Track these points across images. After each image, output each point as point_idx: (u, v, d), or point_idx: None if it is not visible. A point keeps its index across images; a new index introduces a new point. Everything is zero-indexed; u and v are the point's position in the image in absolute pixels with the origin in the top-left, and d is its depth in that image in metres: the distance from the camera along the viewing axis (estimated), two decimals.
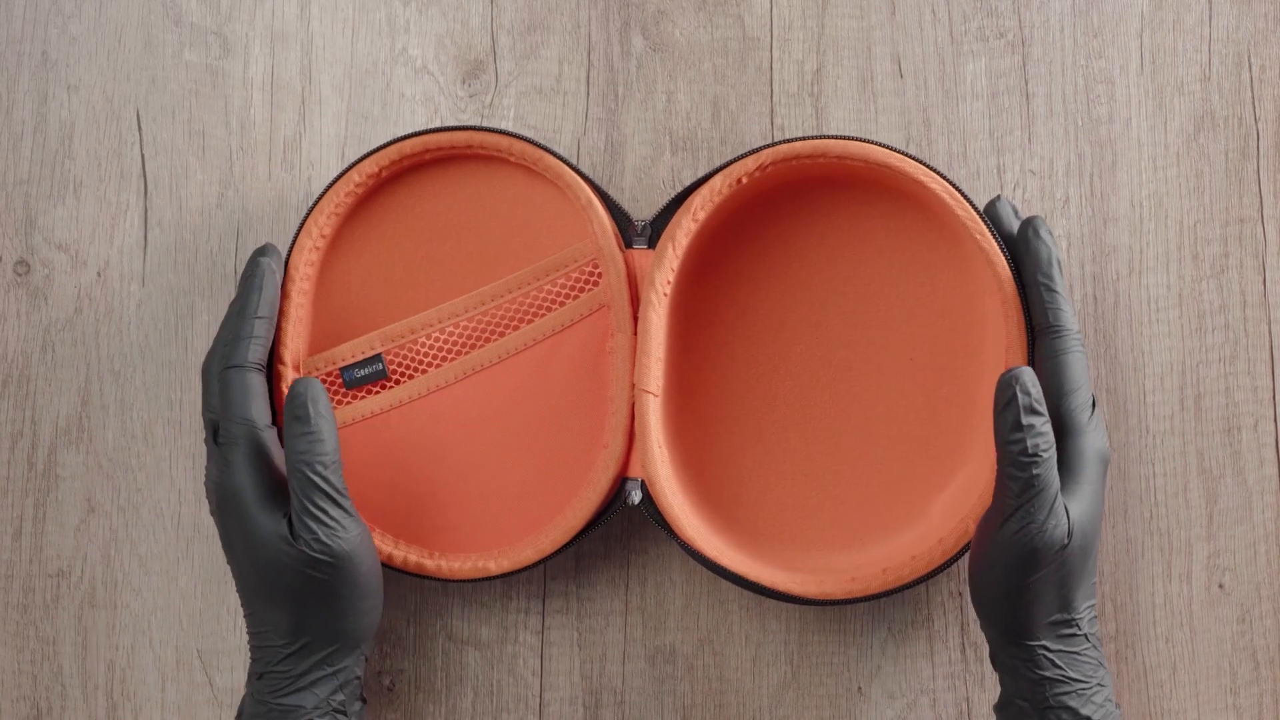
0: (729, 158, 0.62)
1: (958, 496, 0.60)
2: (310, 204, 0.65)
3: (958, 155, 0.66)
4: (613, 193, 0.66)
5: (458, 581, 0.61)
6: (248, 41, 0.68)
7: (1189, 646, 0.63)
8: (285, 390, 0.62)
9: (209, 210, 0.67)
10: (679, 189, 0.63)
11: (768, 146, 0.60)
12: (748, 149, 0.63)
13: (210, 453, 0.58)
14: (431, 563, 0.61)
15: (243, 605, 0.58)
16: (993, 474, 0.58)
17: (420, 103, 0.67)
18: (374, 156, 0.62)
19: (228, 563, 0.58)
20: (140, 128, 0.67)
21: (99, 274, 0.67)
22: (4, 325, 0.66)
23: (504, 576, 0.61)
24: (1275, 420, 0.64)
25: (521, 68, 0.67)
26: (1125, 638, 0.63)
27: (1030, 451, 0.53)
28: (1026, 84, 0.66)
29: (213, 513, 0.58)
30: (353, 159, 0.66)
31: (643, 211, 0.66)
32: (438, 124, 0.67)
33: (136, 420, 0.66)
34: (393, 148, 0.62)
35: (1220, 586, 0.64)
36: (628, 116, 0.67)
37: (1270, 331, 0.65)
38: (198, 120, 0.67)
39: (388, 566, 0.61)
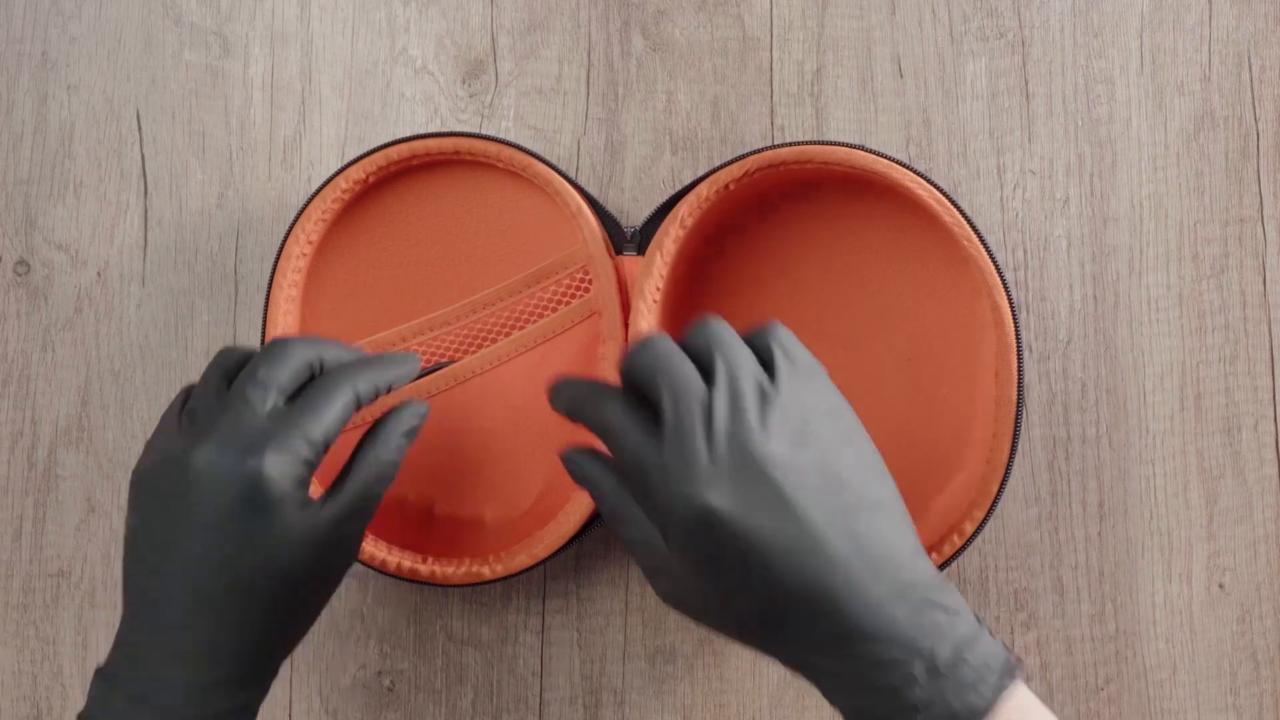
0: (729, 158, 0.62)
1: (956, 498, 0.60)
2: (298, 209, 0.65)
3: (958, 155, 0.66)
4: (613, 193, 0.66)
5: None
6: (248, 41, 0.68)
7: (1189, 646, 0.63)
8: None
9: (209, 210, 0.67)
10: (679, 189, 0.63)
11: (754, 153, 0.60)
12: (748, 149, 0.63)
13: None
14: (426, 568, 0.61)
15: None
16: (989, 475, 0.59)
17: (420, 103, 0.67)
18: (361, 162, 0.62)
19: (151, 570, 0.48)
20: (140, 128, 0.67)
21: (99, 274, 0.67)
22: (4, 325, 0.66)
23: (499, 581, 0.61)
24: (1275, 420, 0.64)
25: (521, 68, 0.67)
26: (1125, 638, 0.63)
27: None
28: (1026, 84, 0.66)
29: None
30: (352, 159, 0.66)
31: (642, 212, 0.66)
32: (438, 124, 0.67)
33: (136, 420, 0.66)
34: (380, 153, 0.62)
35: (1220, 586, 0.64)
36: (628, 116, 0.67)
37: (1270, 331, 0.65)
38: (198, 120, 0.67)
39: (381, 572, 0.61)
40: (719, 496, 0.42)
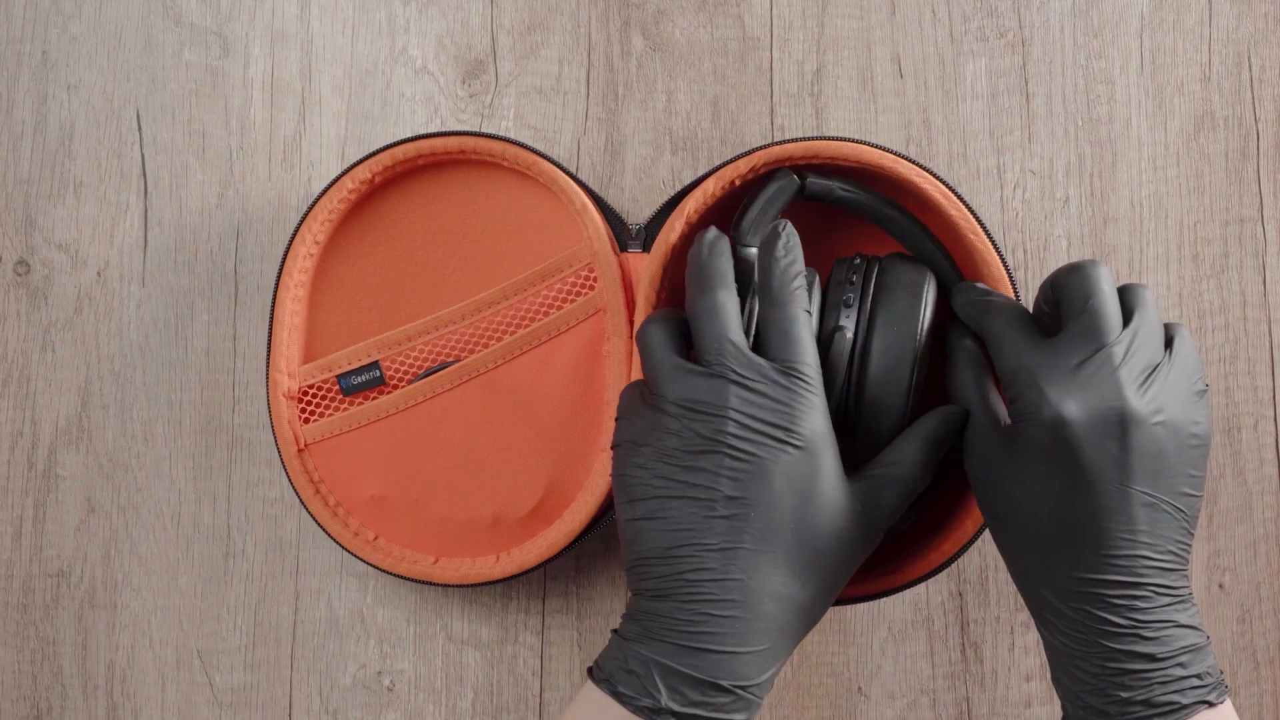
0: (729, 158, 0.62)
1: (957, 497, 0.60)
2: (305, 208, 0.65)
3: (958, 155, 0.66)
4: (613, 193, 0.66)
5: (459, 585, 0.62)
6: (248, 41, 0.68)
7: None
8: (282, 399, 0.62)
9: (209, 210, 0.67)
10: (679, 189, 0.63)
11: (760, 149, 0.60)
12: (748, 149, 0.63)
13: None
14: (426, 569, 0.61)
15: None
16: None
17: (420, 103, 0.67)
18: (367, 162, 0.62)
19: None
20: (140, 128, 0.67)
21: (99, 274, 0.67)
22: (4, 325, 0.66)
23: (504, 581, 0.61)
24: (1275, 420, 0.64)
25: (521, 68, 0.67)
26: None
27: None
28: (1026, 84, 0.66)
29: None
30: (353, 159, 0.66)
31: (642, 211, 0.66)
32: (438, 124, 0.67)
33: (136, 420, 0.66)
34: (386, 153, 0.62)
35: (1220, 586, 0.64)
36: (628, 116, 0.67)
37: (1270, 331, 0.65)
38: (198, 120, 0.67)
39: (388, 573, 0.62)
40: (1077, 410, 0.48)
